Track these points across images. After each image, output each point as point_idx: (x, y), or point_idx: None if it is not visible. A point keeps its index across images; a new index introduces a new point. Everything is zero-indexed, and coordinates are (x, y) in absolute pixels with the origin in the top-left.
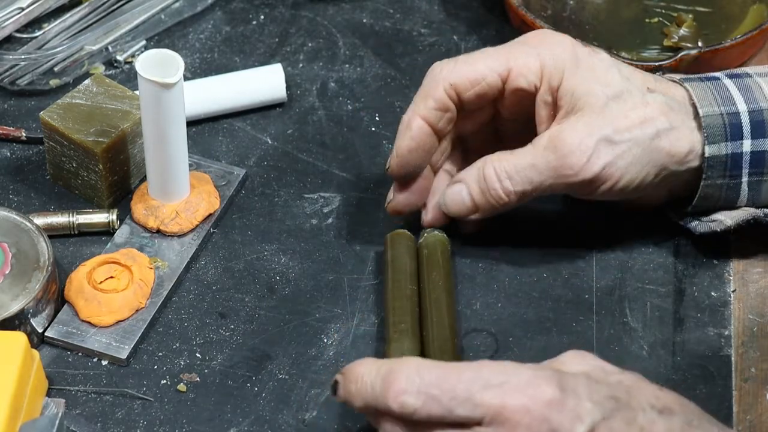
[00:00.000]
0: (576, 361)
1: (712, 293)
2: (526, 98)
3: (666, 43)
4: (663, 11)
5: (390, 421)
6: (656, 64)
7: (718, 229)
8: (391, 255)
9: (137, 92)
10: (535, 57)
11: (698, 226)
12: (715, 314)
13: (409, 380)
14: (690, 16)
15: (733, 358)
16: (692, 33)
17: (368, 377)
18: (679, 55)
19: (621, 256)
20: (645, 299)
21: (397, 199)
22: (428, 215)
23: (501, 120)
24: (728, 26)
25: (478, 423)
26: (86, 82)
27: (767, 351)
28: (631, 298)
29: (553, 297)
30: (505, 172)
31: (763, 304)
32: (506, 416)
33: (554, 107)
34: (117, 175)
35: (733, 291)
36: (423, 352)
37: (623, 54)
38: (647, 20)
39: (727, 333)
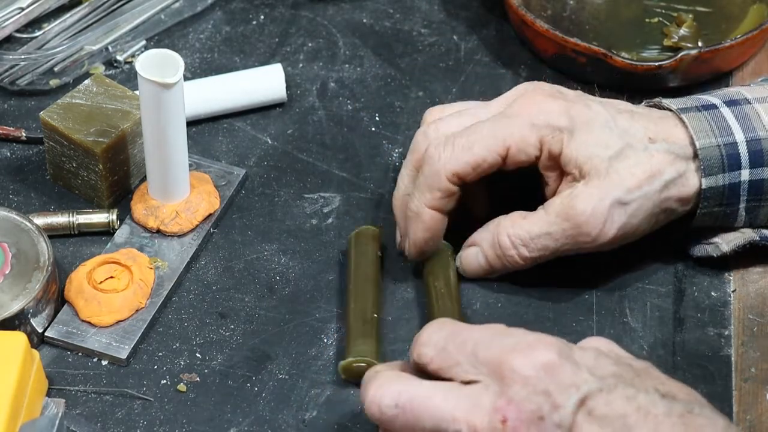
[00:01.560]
0: (593, 341)
1: (712, 293)
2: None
3: (666, 43)
4: (663, 11)
5: None
6: (656, 64)
7: (714, 255)
8: (354, 254)
9: (137, 92)
10: (531, 129)
11: (695, 249)
12: (715, 314)
13: (429, 334)
14: (690, 16)
15: (733, 358)
16: (692, 33)
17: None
18: (679, 55)
19: (621, 256)
20: (645, 299)
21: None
22: (411, 250)
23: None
24: (728, 26)
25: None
26: (86, 82)
27: (767, 351)
28: (631, 298)
29: (553, 297)
30: (519, 240)
31: (763, 304)
32: (502, 373)
33: (558, 171)
34: (117, 175)
35: (733, 291)
36: None
37: (623, 54)
38: (647, 20)
39: (727, 333)
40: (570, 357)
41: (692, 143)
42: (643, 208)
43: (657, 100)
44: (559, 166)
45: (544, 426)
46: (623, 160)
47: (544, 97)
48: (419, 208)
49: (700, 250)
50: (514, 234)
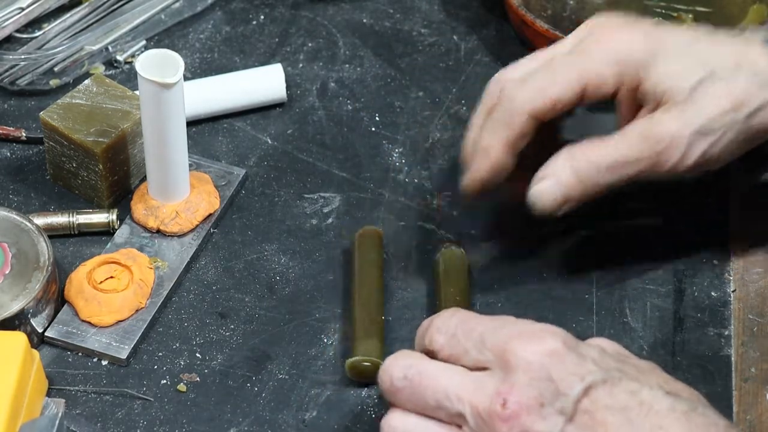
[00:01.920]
0: (598, 341)
1: (712, 293)
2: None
3: None
4: (663, 11)
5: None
6: None
7: None
8: (358, 254)
9: (137, 92)
10: (607, 65)
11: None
12: (715, 314)
13: (443, 321)
14: (690, 16)
15: (733, 358)
16: None
17: (426, 321)
18: None
19: (621, 256)
20: (645, 299)
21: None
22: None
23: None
24: (728, 26)
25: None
26: (86, 82)
27: (767, 351)
28: (631, 298)
29: (553, 297)
30: (595, 166)
31: (763, 304)
32: (507, 359)
33: (636, 102)
34: (117, 175)
35: (733, 291)
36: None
37: None
38: None
39: (727, 333)
40: (575, 348)
41: None
42: (726, 137)
43: (740, 26)
44: (636, 98)
45: (545, 412)
46: (708, 87)
47: (618, 28)
48: (490, 143)
49: None
50: (590, 160)
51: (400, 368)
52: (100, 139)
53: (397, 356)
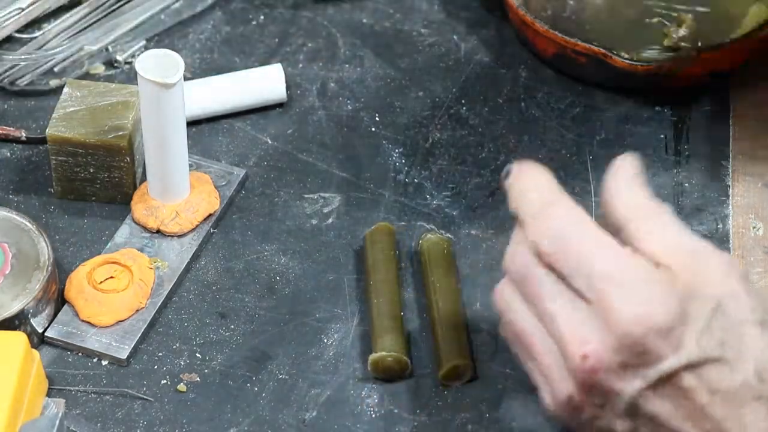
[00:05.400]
0: (720, 277)
1: None
2: None
3: (666, 43)
4: (663, 11)
5: (520, 254)
6: (656, 64)
7: None
8: (371, 251)
9: (118, 83)
10: None
11: None
12: None
13: (557, 222)
14: (690, 16)
15: None
16: (692, 33)
17: (535, 193)
18: (679, 55)
19: None
20: None
21: None
22: None
23: None
24: (728, 26)
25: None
26: (66, 90)
27: None
28: None
29: None
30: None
31: None
32: (607, 316)
33: None
34: (135, 164)
35: None
36: (434, 354)
37: (623, 54)
38: (647, 20)
39: None
40: (684, 318)
41: None
42: None
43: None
44: None
45: (626, 375)
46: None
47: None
48: None
49: None
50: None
51: (517, 268)
52: (119, 134)
53: (515, 253)
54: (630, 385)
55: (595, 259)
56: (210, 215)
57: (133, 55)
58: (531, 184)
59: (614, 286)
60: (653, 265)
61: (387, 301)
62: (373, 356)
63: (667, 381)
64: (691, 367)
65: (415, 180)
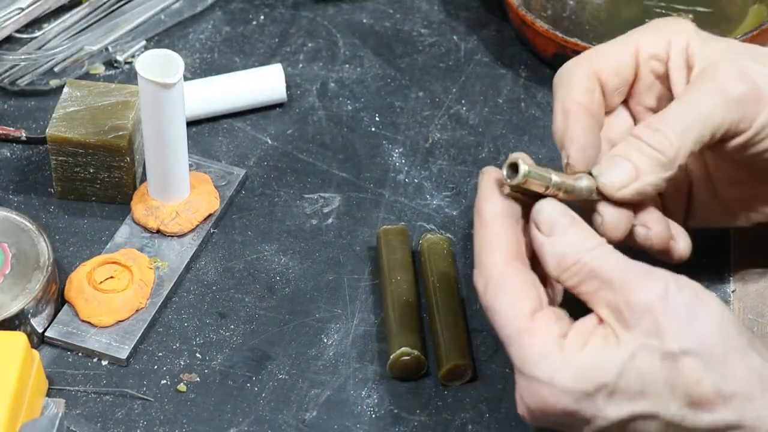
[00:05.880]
0: (643, 312)
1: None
2: (659, 78)
3: None
4: (663, 11)
5: None
6: None
7: None
8: (385, 251)
9: (118, 83)
10: (658, 31)
11: None
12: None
13: (485, 290)
14: (690, 16)
15: None
16: None
17: (479, 246)
18: None
19: None
20: None
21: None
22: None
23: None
24: (728, 26)
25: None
26: (66, 90)
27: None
28: None
29: None
30: (660, 120)
31: (763, 304)
32: (521, 395)
33: (688, 71)
34: (135, 164)
35: (733, 291)
36: (434, 354)
37: None
38: (647, 20)
39: None
40: (591, 388)
41: None
42: None
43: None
44: (688, 62)
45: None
46: (749, 49)
47: (672, 19)
48: (564, 105)
49: None
50: (656, 123)
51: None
52: (119, 134)
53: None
54: (580, 429)
55: (508, 345)
56: (210, 215)
57: (133, 55)
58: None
59: (520, 374)
60: (555, 335)
61: (398, 301)
62: (396, 353)
63: (606, 430)
64: (621, 423)
65: (415, 180)
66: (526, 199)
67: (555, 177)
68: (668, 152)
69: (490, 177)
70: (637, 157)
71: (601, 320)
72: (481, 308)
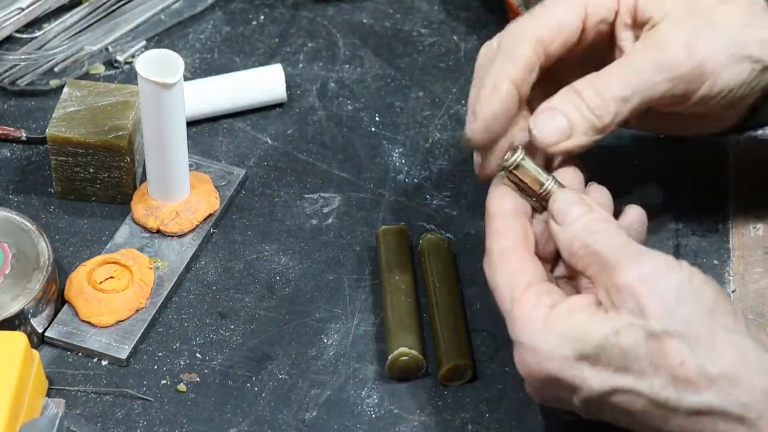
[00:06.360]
0: (629, 292)
1: None
2: (600, 37)
3: None
4: None
5: None
6: None
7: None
8: (385, 251)
9: (118, 83)
10: None
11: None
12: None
13: (492, 275)
14: None
15: None
16: None
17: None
18: None
19: None
20: None
21: (488, 160)
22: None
23: (566, 72)
24: None
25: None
26: (66, 90)
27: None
28: None
29: None
30: (599, 80)
31: (763, 304)
32: (517, 362)
33: (635, 27)
34: (135, 164)
35: (733, 291)
36: (434, 354)
37: None
38: None
39: None
40: (577, 357)
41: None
42: (728, 38)
43: None
44: (636, 18)
45: (561, 394)
46: (699, 3)
47: None
48: (497, 80)
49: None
50: (595, 80)
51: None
52: (119, 134)
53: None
54: (570, 398)
55: (505, 316)
56: (210, 215)
57: (133, 55)
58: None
59: (513, 343)
60: (545, 306)
61: (397, 302)
62: (390, 358)
63: (594, 402)
64: (605, 394)
65: (415, 180)
66: (526, 197)
67: (548, 179)
68: (605, 118)
69: (501, 187)
70: (573, 114)
71: (599, 302)
72: (481, 308)
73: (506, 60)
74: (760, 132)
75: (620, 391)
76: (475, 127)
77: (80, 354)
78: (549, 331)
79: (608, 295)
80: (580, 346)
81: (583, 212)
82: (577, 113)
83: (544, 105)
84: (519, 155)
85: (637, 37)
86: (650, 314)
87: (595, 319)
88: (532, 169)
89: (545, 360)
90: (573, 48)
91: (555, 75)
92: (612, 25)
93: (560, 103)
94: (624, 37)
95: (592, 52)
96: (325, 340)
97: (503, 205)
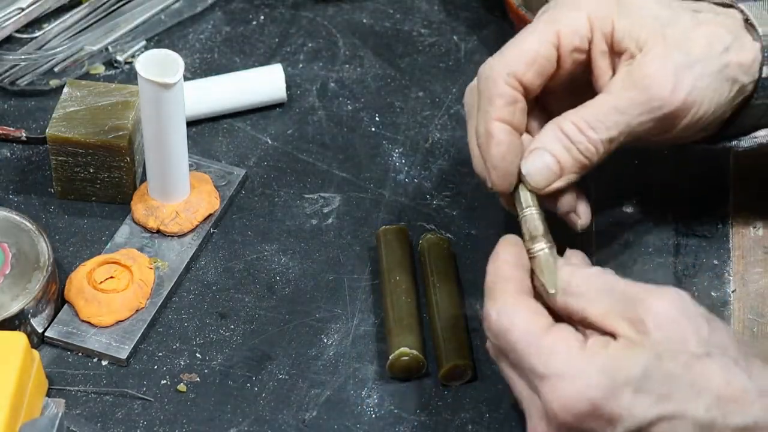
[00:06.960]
0: (664, 320)
1: (712, 293)
2: (580, 64)
3: None
4: None
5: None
6: None
7: (765, 141)
8: (385, 251)
9: (118, 83)
10: (578, 11)
11: (741, 142)
12: (715, 314)
13: (497, 319)
14: None
15: None
16: None
17: (491, 276)
18: None
19: (621, 257)
20: None
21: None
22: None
23: (554, 96)
24: None
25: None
26: (66, 90)
27: (767, 351)
28: None
29: None
30: (585, 123)
31: (763, 304)
32: (545, 409)
33: (612, 55)
34: (135, 164)
35: (733, 291)
36: (434, 354)
37: None
38: None
39: None
40: (614, 390)
41: (746, 20)
42: (709, 70)
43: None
44: (612, 47)
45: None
46: (677, 28)
47: None
48: (486, 125)
49: (749, 141)
50: (578, 119)
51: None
52: (120, 134)
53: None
54: None
55: (527, 356)
56: (210, 215)
57: (133, 55)
58: (492, 268)
59: (542, 379)
60: (576, 340)
61: (397, 302)
62: (390, 358)
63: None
64: (649, 423)
65: (415, 180)
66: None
67: (542, 241)
68: (593, 158)
69: (508, 239)
70: (561, 155)
71: (614, 337)
72: (481, 308)
73: (486, 102)
74: (761, 132)
75: (665, 418)
76: (494, 179)
77: (80, 354)
78: (592, 360)
79: (638, 324)
80: (624, 375)
81: (565, 262)
82: (565, 152)
83: (533, 145)
84: (525, 195)
85: (614, 65)
86: (690, 340)
87: (634, 348)
88: (535, 204)
89: (589, 388)
90: (555, 75)
91: (546, 101)
92: (588, 53)
93: (547, 141)
94: (601, 65)
95: (576, 78)
96: (325, 340)
97: (508, 256)
